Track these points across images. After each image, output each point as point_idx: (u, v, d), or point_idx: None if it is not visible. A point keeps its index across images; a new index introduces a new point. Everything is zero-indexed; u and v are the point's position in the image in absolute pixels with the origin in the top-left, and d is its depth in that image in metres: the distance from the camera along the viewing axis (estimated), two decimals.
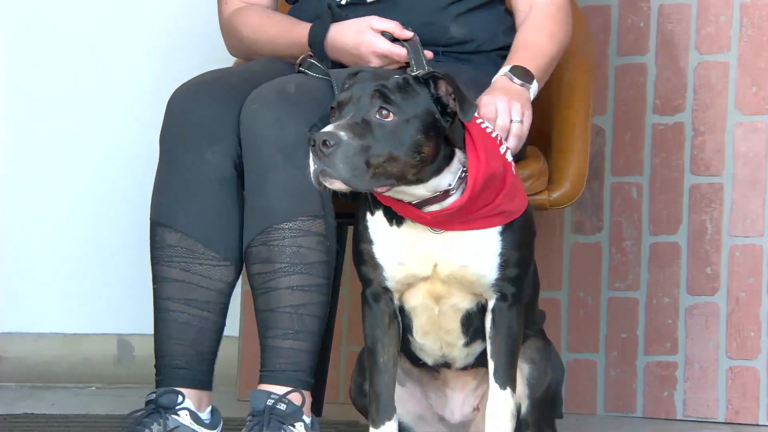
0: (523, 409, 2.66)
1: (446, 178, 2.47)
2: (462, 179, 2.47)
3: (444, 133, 2.46)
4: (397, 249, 2.53)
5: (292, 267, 2.60)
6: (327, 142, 2.36)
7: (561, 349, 3.31)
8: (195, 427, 2.65)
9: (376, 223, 2.54)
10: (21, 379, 3.63)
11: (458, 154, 2.48)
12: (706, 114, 3.30)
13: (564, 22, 2.85)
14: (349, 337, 3.42)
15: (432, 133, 2.44)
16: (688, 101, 3.32)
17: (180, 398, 2.64)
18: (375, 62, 2.75)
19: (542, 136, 3.03)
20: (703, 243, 3.29)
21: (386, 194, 2.46)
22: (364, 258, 2.56)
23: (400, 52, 2.73)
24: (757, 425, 3.23)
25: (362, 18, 2.77)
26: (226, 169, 2.67)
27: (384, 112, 2.41)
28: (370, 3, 2.81)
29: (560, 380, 2.70)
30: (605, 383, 3.34)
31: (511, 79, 2.69)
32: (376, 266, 2.55)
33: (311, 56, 2.78)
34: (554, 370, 2.68)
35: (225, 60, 3.04)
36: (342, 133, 2.37)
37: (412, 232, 2.51)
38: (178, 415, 2.63)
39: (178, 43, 3.65)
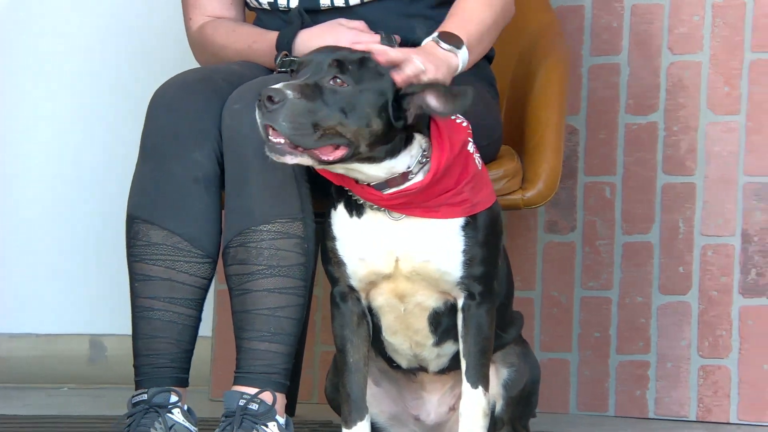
0: (498, 408, 2.67)
1: (404, 161, 2.48)
2: (422, 163, 2.49)
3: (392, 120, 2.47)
4: (358, 244, 2.53)
5: (269, 269, 2.61)
6: (272, 98, 2.40)
7: (534, 348, 3.31)
8: (187, 424, 2.65)
9: (338, 217, 2.56)
10: None
11: (418, 138, 2.50)
12: (679, 114, 3.31)
13: None
14: (323, 337, 3.43)
15: (383, 113, 2.46)
16: (661, 101, 3.33)
17: (173, 397, 2.65)
18: None
19: (516, 136, 3.03)
20: (675, 242, 3.30)
21: (341, 170, 2.46)
22: (328, 255, 2.57)
23: (376, 40, 2.74)
24: (729, 423, 3.24)
25: (329, 21, 2.78)
26: (210, 168, 2.67)
27: (338, 79, 2.44)
28: (326, 10, 2.81)
29: (536, 380, 2.71)
30: (578, 382, 3.35)
31: (438, 44, 2.59)
32: (340, 263, 2.55)
33: (287, 55, 2.78)
34: (530, 370, 2.69)
35: None
36: (289, 92, 2.41)
37: (373, 224, 2.52)
38: (172, 413, 2.64)
39: (155, 40, 3.64)
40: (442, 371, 2.66)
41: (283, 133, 2.41)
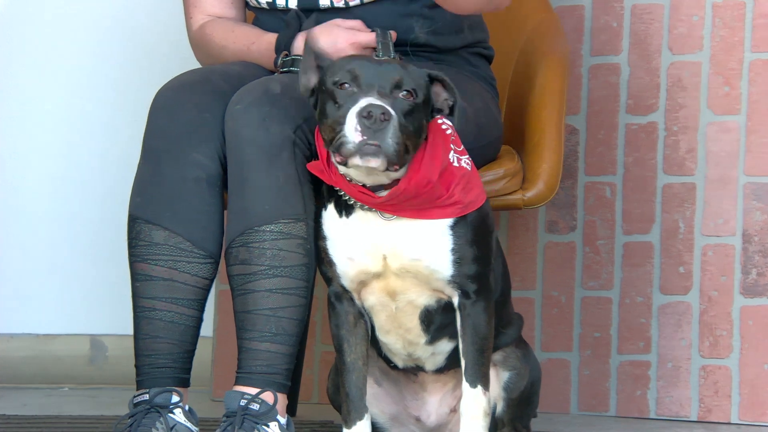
0: (499, 409, 2.67)
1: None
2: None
3: None
4: (346, 243, 2.54)
5: (271, 269, 2.60)
6: (384, 115, 2.37)
7: (535, 348, 3.32)
8: (188, 424, 2.65)
9: (328, 217, 2.56)
10: None
11: None
12: (678, 114, 3.32)
13: None
14: (323, 336, 3.43)
15: (428, 116, 2.49)
16: (661, 101, 3.33)
17: (175, 397, 2.65)
18: None
19: (516, 136, 3.03)
20: (675, 242, 3.30)
21: (366, 179, 2.46)
22: (321, 255, 2.58)
23: (371, 38, 2.75)
24: (729, 423, 3.24)
25: (326, 22, 2.78)
26: (213, 169, 2.67)
27: (405, 92, 2.44)
28: (325, 9, 2.81)
29: (537, 381, 2.70)
30: (579, 382, 3.35)
31: None
32: (331, 263, 2.56)
33: (287, 55, 2.78)
34: (531, 372, 2.68)
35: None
36: (390, 109, 2.39)
37: (361, 223, 2.52)
38: (173, 413, 2.64)
39: (154, 41, 3.64)
40: (440, 370, 2.65)
41: (387, 152, 2.39)
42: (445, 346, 2.62)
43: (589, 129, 3.38)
